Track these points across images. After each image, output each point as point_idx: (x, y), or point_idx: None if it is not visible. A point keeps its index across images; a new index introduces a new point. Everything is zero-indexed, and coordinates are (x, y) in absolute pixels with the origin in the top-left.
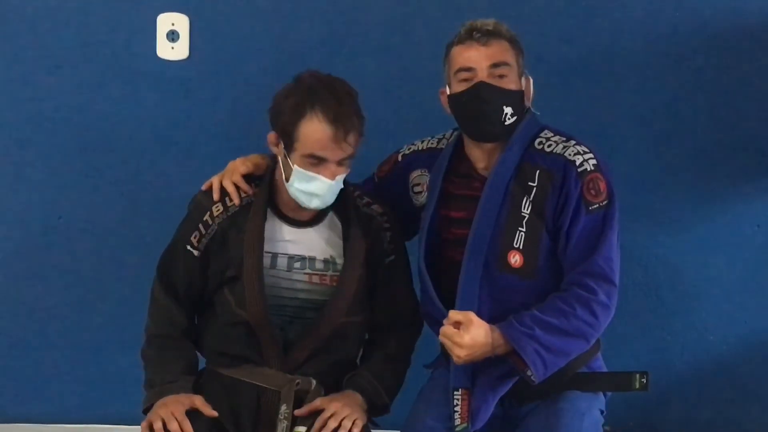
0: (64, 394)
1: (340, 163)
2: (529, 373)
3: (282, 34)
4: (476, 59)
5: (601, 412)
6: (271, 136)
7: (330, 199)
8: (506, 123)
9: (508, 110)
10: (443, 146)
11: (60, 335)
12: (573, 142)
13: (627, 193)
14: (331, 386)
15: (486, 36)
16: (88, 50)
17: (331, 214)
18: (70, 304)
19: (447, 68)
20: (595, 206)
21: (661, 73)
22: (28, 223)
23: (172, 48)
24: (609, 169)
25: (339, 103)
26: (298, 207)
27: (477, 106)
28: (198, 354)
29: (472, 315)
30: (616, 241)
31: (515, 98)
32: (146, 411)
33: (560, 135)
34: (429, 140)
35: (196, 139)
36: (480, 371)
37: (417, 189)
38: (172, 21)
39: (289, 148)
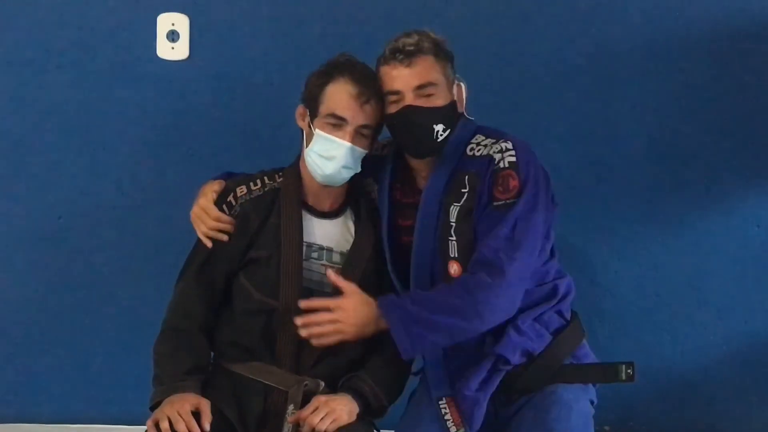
0: (64, 394)
1: (358, 130)
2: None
3: (282, 34)
4: (401, 82)
5: (592, 402)
6: (299, 108)
7: (345, 162)
8: (438, 139)
9: (438, 127)
10: (387, 153)
11: (60, 335)
12: (501, 140)
13: (626, 194)
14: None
15: (409, 57)
16: (88, 50)
17: (348, 210)
18: (70, 303)
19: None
20: (500, 203)
21: (661, 74)
22: (28, 223)
23: (172, 48)
24: (532, 165)
25: (366, 70)
26: (319, 194)
27: (407, 128)
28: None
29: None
30: (529, 236)
31: (445, 113)
32: (153, 408)
33: (491, 136)
34: (377, 143)
35: (196, 139)
36: (458, 376)
37: (372, 196)
38: (172, 21)
39: (314, 113)
